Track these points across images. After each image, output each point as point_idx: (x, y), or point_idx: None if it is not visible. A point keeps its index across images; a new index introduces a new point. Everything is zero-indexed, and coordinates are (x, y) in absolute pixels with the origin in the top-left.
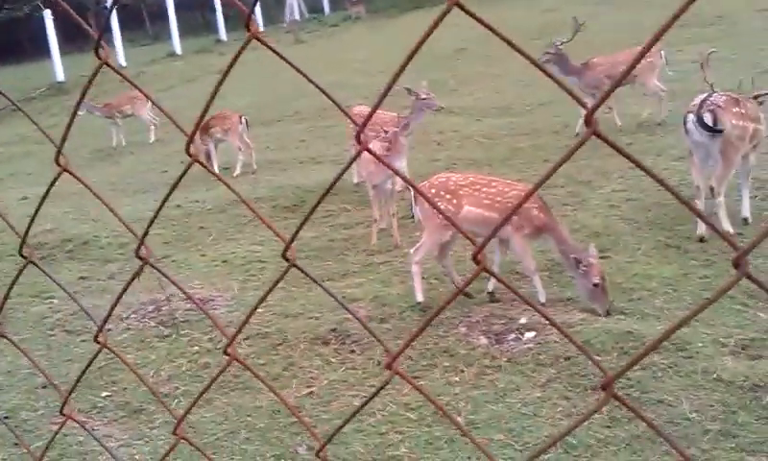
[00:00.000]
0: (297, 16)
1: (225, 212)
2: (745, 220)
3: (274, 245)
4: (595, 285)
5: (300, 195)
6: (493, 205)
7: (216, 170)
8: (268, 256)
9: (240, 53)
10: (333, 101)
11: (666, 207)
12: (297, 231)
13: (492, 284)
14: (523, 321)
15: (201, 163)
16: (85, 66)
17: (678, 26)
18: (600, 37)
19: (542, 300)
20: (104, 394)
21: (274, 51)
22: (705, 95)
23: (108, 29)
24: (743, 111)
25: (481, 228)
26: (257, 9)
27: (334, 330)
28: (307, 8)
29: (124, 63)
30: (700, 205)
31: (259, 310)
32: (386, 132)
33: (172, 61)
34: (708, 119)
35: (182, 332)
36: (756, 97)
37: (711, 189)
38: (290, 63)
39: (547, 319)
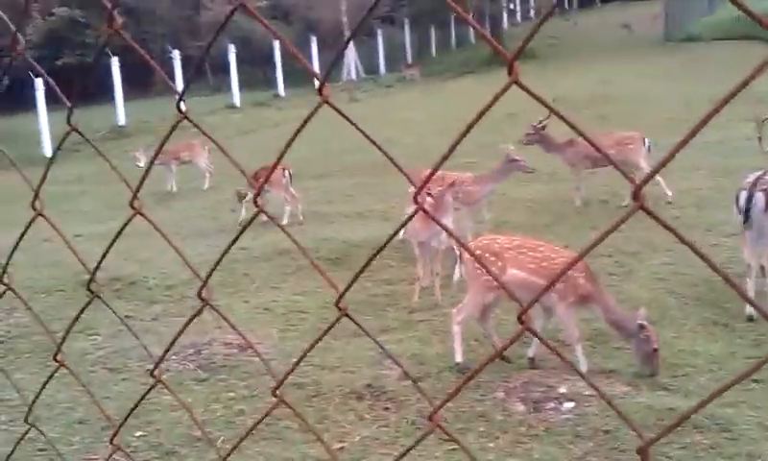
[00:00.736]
0: (353, 76)
1: (270, 261)
2: None
3: (316, 296)
4: (655, 350)
5: (344, 249)
6: (538, 269)
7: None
8: (310, 307)
9: (311, 116)
10: (390, 158)
11: (714, 284)
12: (351, 283)
13: (532, 350)
14: (563, 390)
15: (266, 214)
16: (147, 111)
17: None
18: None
19: (584, 369)
20: (137, 434)
21: (341, 114)
22: (759, 173)
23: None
24: None
25: (524, 292)
26: (317, 66)
27: (370, 386)
28: (364, 68)
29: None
30: (750, 284)
31: (294, 360)
32: (429, 194)
33: (230, 113)
34: (760, 198)
35: (220, 377)
36: None
37: (762, 269)
38: (353, 123)
39: (588, 383)
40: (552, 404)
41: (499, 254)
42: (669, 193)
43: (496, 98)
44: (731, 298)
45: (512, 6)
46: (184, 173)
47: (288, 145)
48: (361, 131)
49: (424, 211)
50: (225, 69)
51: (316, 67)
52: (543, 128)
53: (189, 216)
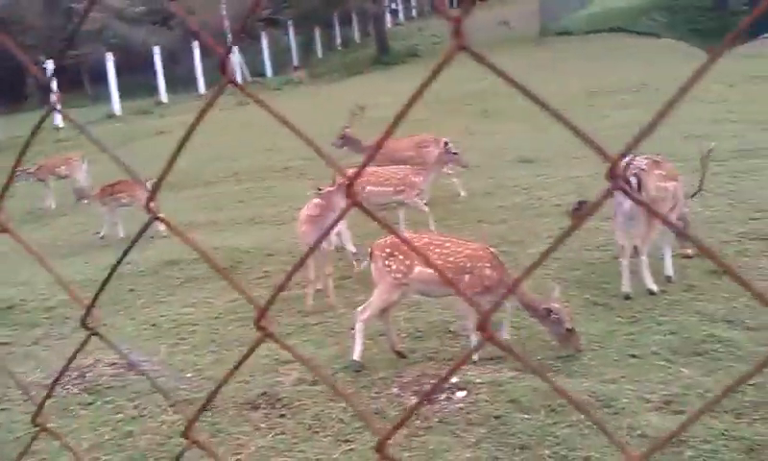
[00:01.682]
0: (239, 79)
1: (156, 274)
2: (668, 278)
3: (205, 307)
4: (569, 330)
5: (236, 256)
6: (445, 264)
7: (121, 234)
8: (199, 319)
9: (216, 97)
10: (319, 151)
11: (593, 266)
12: (272, 299)
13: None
14: (454, 380)
15: (162, 220)
16: (20, 126)
17: (605, 93)
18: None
19: (475, 358)
20: None
21: (251, 96)
22: (627, 159)
23: (45, 90)
24: (664, 173)
25: (432, 288)
26: (199, 71)
27: (264, 394)
28: (250, 71)
29: (61, 124)
30: (624, 263)
31: (188, 374)
32: (319, 189)
33: (111, 123)
34: (632, 182)
35: (107, 399)
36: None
37: (635, 248)
38: (271, 111)
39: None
40: (445, 395)
41: (407, 252)
42: (462, 193)
43: (440, 67)
44: (609, 279)
45: (393, 5)
46: (65, 187)
47: (176, 154)
48: (286, 121)
49: (360, 207)
50: (103, 78)
51: (199, 73)
52: (349, 132)
53: (70, 233)
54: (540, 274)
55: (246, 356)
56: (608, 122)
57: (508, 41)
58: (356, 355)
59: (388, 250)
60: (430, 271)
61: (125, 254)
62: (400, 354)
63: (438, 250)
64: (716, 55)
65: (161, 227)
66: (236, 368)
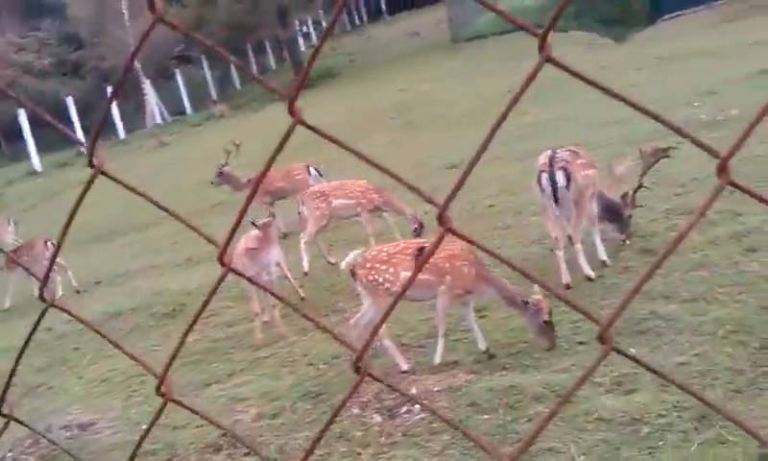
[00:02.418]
0: (158, 120)
1: (100, 328)
2: (603, 262)
3: (156, 355)
4: (546, 322)
5: (180, 299)
6: (426, 267)
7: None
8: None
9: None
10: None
11: (531, 261)
12: (170, 362)
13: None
14: (414, 391)
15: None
16: None
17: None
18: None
19: (437, 361)
20: None
21: (119, 181)
22: (550, 153)
23: None
24: (585, 161)
25: (418, 291)
26: (117, 117)
27: (225, 435)
28: (169, 111)
29: None
30: (560, 255)
31: (144, 426)
32: (254, 224)
33: (32, 179)
34: (560, 176)
35: None
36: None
37: (569, 238)
38: (133, 189)
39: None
40: (405, 408)
41: (389, 262)
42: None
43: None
44: (548, 271)
45: (305, 29)
46: None
47: (68, 222)
48: (142, 194)
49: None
50: (18, 135)
51: (117, 119)
52: (227, 169)
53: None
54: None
55: (152, 424)
56: (528, 119)
57: (421, 51)
58: (403, 365)
59: (368, 265)
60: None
61: (39, 319)
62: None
63: (417, 254)
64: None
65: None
66: (146, 434)
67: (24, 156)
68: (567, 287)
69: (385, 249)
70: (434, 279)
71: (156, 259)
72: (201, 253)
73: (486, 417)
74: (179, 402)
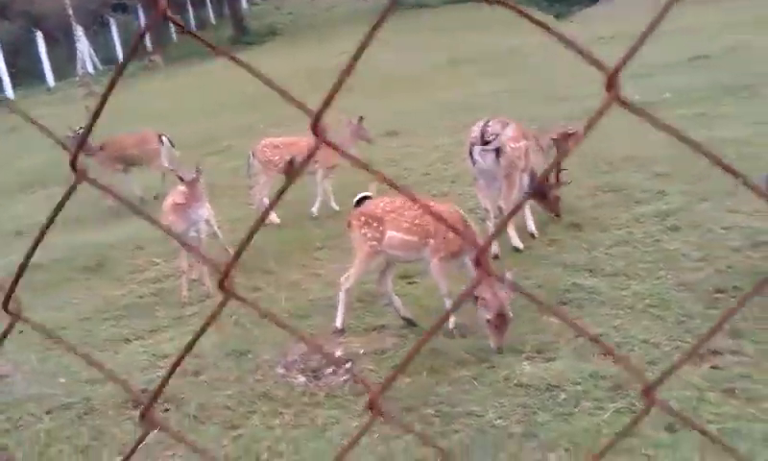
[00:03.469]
0: (89, 69)
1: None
2: (532, 234)
3: (73, 308)
4: (489, 320)
5: (102, 252)
6: (412, 228)
7: None
8: (69, 321)
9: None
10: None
11: None
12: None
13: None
14: (339, 353)
15: None
16: None
17: (468, 62)
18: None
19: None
20: None
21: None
22: (482, 125)
23: None
24: (515, 134)
25: (404, 252)
26: (46, 64)
27: (145, 391)
28: (101, 59)
29: None
30: (490, 225)
31: (61, 380)
32: (181, 179)
33: None
34: (491, 147)
35: None
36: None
37: (500, 209)
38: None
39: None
40: (330, 369)
41: (380, 219)
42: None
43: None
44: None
45: None
46: None
47: None
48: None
49: (327, 143)
50: None
51: (46, 66)
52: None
53: None
54: None
55: (212, 317)
56: (473, 89)
57: (365, 15)
58: (339, 323)
59: (363, 218)
60: (399, 235)
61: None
62: (409, 321)
63: (406, 213)
64: None
65: None
66: (203, 331)
67: None
68: (496, 257)
69: (381, 204)
70: (418, 241)
71: (78, 213)
72: (124, 207)
73: (408, 379)
74: (241, 298)
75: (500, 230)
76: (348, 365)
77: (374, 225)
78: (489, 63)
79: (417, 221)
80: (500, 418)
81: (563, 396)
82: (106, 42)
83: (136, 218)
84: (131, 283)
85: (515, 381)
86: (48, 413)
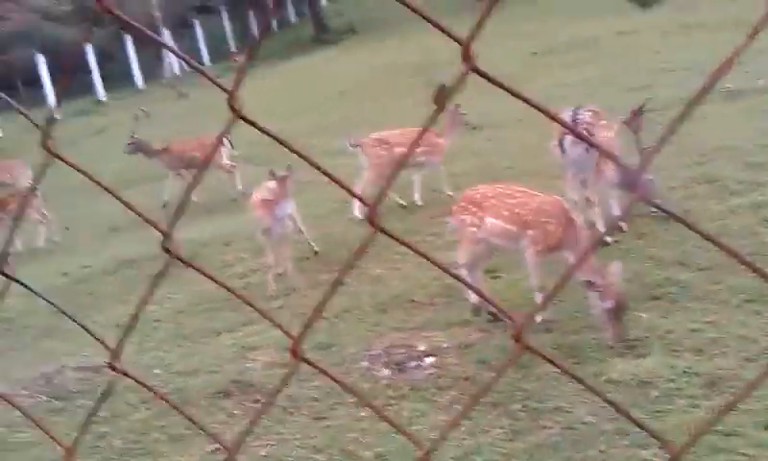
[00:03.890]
0: (177, 71)
1: (115, 274)
2: (620, 227)
3: (168, 303)
4: (609, 310)
5: (193, 249)
6: (512, 217)
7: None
8: (163, 315)
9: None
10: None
11: None
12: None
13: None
14: (422, 347)
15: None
16: None
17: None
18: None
19: (538, 319)
20: None
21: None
22: (572, 114)
23: None
24: (606, 123)
25: (502, 240)
26: (135, 67)
27: (235, 382)
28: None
29: (0, 133)
30: (580, 218)
31: (156, 371)
32: (273, 175)
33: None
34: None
35: (77, 404)
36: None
37: (587, 201)
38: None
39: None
40: (414, 363)
41: (480, 204)
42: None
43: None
44: None
45: None
46: None
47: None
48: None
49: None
50: (36, 81)
51: (135, 69)
52: (138, 137)
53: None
54: None
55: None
56: (554, 80)
57: (446, 8)
58: (472, 298)
59: (463, 204)
60: (499, 223)
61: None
62: (495, 316)
63: (509, 201)
64: None
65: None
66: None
67: (41, 102)
68: (606, 244)
69: (481, 190)
70: (517, 230)
71: (169, 210)
72: (216, 203)
73: (494, 375)
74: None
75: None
76: (431, 359)
77: (474, 210)
78: (568, 54)
79: (517, 210)
80: (590, 414)
81: (655, 393)
82: (191, 44)
83: (225, 215)
84: (221, 278)
85: (604, 378)
86: (144, 403)
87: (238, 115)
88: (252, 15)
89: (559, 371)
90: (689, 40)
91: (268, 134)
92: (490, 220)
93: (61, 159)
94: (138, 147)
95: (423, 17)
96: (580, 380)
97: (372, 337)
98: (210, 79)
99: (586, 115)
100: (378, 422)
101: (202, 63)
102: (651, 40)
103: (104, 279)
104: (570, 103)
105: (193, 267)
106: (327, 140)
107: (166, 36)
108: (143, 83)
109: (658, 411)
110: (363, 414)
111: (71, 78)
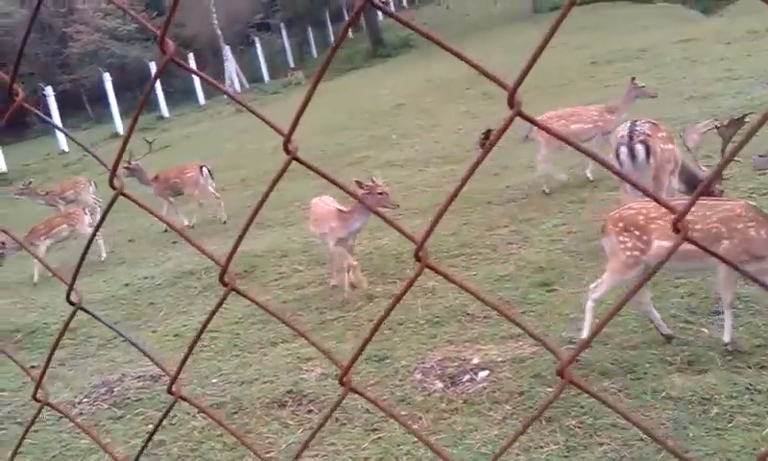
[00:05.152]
0: (237, 87)
1: (175, 286)
2: None
3: (225, 314)
4: None
5: (250, 261)
6: (692, 234)
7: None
8: (220, 326)
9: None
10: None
11: None
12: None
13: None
14: (476, 361)
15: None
16: (27, 154)
17: (605, 63)
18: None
19: (727, 339)
20: None
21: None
22: (629, 125)
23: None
24: (666, 134)
25: (680, 262)
26: (197, 83)
27: (290, 392)
28: (247, 77)
29: (66, 149)
30: None
31: (213, 380)
32: (359, 184)
33: (115, 142)
34: (640, 150)
35: (136, 412)
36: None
37: None
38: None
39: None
40: (468, 376)
41: (644, 227)
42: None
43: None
44: None
45: None
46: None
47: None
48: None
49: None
50: (103, 99)
51: (197, 85)
52: (139, 165)
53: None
54: (553, 248)
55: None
56: (610, 92)
57: (500, 21)
58: (585, 333)
59: (621, 224)
60: (674, 243)
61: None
62: (668, 338)
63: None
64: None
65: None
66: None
67: (107, 118)
68: None
69: (644, 210)
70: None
71: (228, 222)
72: (273, 216)
73: (549, 389)
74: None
75: None
76: (485, 373)
77: (636, 233)
78: (627, 63)
79: (698, 225)
80: None
81: (715, 410)
82: (251, 61)
83: (281, 228)
84: (276, 289)
85: (663, 394)
86: (201, 412)
87: (293, 157)
88: (310, 32)
89: (616, 386)
90: (754, 47)
91: (317, 172)
92: (659, 243)
93: (127, 197)
94: (134, 172)
95: (473, 66)
96: (613, 407)
97: (426, 350)
98: (268, 122)
99: (645, 127)
100: (431, 434)
101: (261, 80)
102: (713, 48)
103: (164, 290)
104: (629, 113)
105: (247, 297)
106: (380, 152)
107: (228, 53)
108: (204, 99)
109: (719, 429)
110: (415, 426)
111: (137, 95)
